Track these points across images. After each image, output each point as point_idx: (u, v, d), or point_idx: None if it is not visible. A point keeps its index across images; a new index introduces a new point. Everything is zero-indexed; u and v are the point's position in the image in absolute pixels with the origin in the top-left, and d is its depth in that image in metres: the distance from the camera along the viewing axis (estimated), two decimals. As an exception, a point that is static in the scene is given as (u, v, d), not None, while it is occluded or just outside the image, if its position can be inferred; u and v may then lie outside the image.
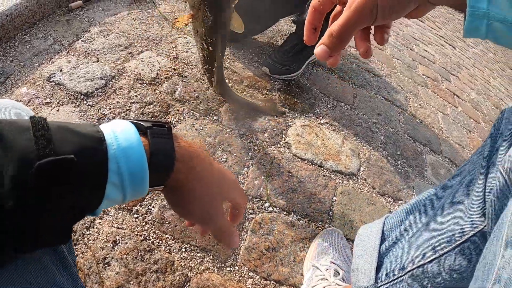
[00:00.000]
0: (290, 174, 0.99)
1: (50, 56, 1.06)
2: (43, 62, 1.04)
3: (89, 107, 0.98)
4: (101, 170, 0.29)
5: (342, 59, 1.64)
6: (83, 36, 1.15)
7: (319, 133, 1.16)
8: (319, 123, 1.20)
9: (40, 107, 0.95)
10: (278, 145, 1.06)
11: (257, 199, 0.90)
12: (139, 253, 0.74)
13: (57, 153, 0.26)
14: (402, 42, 2.30)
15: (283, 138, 1.09)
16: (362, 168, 1.11)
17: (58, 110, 0.95)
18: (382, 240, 0.60)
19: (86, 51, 1.11)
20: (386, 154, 1.22)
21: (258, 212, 0.88)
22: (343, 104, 1.35)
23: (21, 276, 0.31)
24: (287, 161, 1.02)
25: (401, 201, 1.08)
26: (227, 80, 1.20)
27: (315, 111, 1.24)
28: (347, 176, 1.06)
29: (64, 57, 1.07)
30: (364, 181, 1.07)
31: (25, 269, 0.31)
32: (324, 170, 1.04)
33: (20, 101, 0.94)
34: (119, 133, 0.31)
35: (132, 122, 0.34)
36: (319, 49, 0.42)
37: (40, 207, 0.26)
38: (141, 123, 0.34)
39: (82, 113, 0.96)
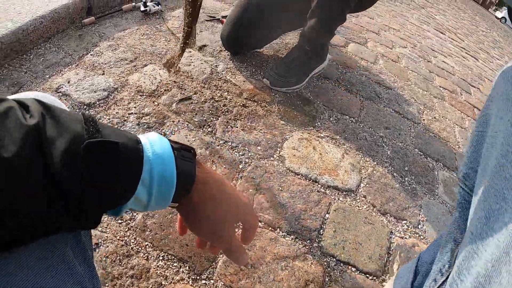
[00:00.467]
0: (280, 189, 0.97)
1: (61, 68, 1.13)
2: (54, 74, 1.11)
3: (90, 117, 1.03)
4: (137, 164, 0.32)
5: (351, 71, 1.61)
6: (92, 50, 1.22)
7: (317, 146, 1.14)
8: (318, 136, 1.18)
9: (45, 117, 1.01)
10: (272, 158, 1.05)
11: (242, 213, 0.90)
12: (118, 257, 0.76)
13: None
14: (419, 53, 2.22)
15: (278, 151, 1.08)
16: (362, 185, 1.07)
17: (61, 120, 1.01)
18: (416, 275, 0.61)
19: (93, 64, 1.17)
20: (391, 170, 1.17)
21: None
22: (347, 117, 1.32)
23: (42, 264, 0.33)
24: (279, 175, 1.01)
25: (405, 221, 1.03)
26: (226, 93, 1.22)
27: (316, 124, 1.23)
28: (344, 193, 1.03)
29: (73, 69, 1.14)
30: (363, 199, 1.04)
31: (45, 258, 0.33)
32: (319, 185, 1.02)
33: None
34: (155, 142, 0.35)
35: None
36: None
37: (85, 181, 0.28)
38: (172, 144, 0.38)
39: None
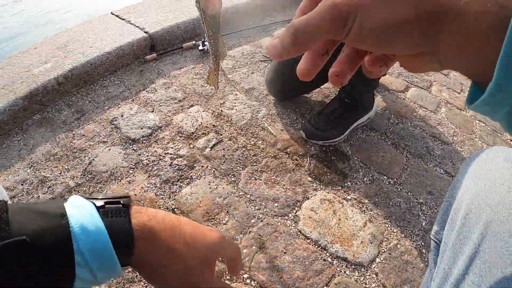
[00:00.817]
0: (284, 251, 0.99)
1: (119, 102, 1.30)
2: (112, 106, 1.29)
3: (133, 151, 1.17)
4: (64, 248, 0.30)
5: (403, 122, 1.52)
6: (149, 87, 1.37)
7: (338, 210, 1.12)
8: (344, 199, 1.16)
9: (98, 144, 1.18)
10: (286, 217, 1.07)
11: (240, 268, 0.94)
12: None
13: (14, 235, 0.28)
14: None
15: (294, 211, 1.09)
16: (378, 260, 1.03)
17: (110, 149, 1.17)
18: None
19: (146, 101, 1.32)
20: (421, 245, 1.10)
21: (234, 281, 0.91)
22: (385, 177, 1.26)
23: None
24: (288, 236, 1.03)
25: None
26: (260, 142, 1.27)
27: (345, 184, 1.20)
28: (352, 266, 1.00)
29: (128, 104, 1.30)
30: (374, 276, 0.99)
31: None
32: (327, 254, 1.01)
33: (85, 136, 1.19)
34: (78, 213, 0.33)
35: (88, 198, 0.36)
36: (274, 41, 0.30)
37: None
38: (94, 201, 0.36)
39: (126, 155, 1.15)
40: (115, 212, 0.35)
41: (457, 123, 1.64)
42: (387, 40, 0.25)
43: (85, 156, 1.11)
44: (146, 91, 1.36)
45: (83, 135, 1.19)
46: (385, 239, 1.08)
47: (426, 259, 1.05)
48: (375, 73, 0.33)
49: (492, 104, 0.24)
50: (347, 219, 1.10)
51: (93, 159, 1.11)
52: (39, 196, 1.01)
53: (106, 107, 1.28)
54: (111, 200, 0.36)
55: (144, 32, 1.48)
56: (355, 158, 1.30)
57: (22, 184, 1.03)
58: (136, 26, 1.50)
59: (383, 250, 1.05)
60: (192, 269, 0.38)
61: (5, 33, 2.75)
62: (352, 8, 0.24)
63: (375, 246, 1.05)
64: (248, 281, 0.92)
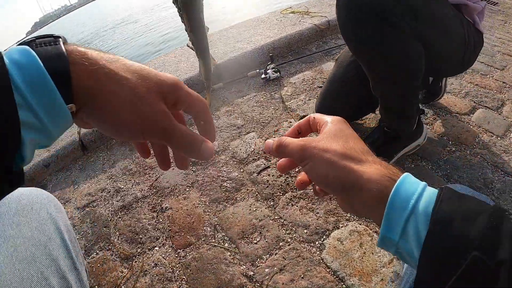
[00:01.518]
0: (303, 276, 1.09)
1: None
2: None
3: (192, 172, 1.41)
4: (2, 87, 0.28)
5: (462, 149, 1.39)
6: (213, 114, 1.61)
7: (365, 243, 1.15)
8: (375, 232, 1.18)
9: (169, 166, 1.46)
10: (312, 244, 1.16)
11: (258, 284, 1.07)
12: (162, 278, 1.10)
13: None
14: None
15: (322, 239, 1.17)
16: (397, 299, 1.04)
17: (173, 169, 1.43)
18: None
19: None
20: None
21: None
22: (429, 217, 1.22)
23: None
24: (309, 262, 1.12)
25: None
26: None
27: (381, 219, 1.22)
28: (367, 301, 1.04)
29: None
30: (391, 314, 1.02)
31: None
32: (343, 286, 1.06)
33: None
34: (7, 51, 0.30)
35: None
36: (267, 142, 0.49)
37: None
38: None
39: (185, 175, 1.40)
40: (47, 43, 0.32)
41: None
42: (324, 182, 0.43)
43: (153, 173, 1.40)
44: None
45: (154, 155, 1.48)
46: (411, 280, 1.07)
47: None
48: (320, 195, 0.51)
49: (385, 245, 0.40)
50: (372, 253, 1.13)
51: (159, 176, 1.39)
52: (113, 203, 1.32)
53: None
54: (42, 35, 0.33)
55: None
56: (400, 191, 1.29)
57: (101, 192, 1.37)
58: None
59: (405, 291, 1.05)
60: (144, 98, 0.34)
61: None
62: (310, 158, 0.43)
63: (396, 286, 1.06)
64: (264, 298, 1.05)
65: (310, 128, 0.51)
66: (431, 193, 0.38)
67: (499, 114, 1.61)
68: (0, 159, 0.28)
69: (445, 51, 1.15)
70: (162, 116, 0.34)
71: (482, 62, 1.99)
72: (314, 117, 0.50)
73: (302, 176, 0.51)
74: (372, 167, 0.41)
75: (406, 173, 0.41)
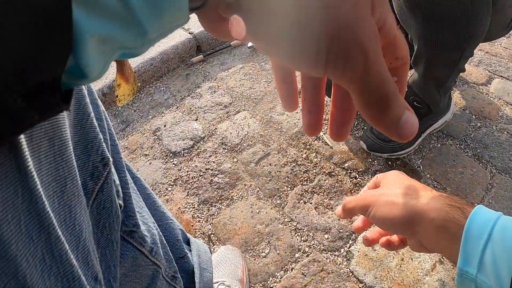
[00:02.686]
0: (331, 298, 0.85)
1: (163, 110, 1.24)
2: (156, 115, 1.23)
3: (173, 165, 1.10)
4: None
5: (487, 125, 1.21)
6: (194, 92, 1.29)
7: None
8: (411, 232, 0.96)
9: (140, 157, 1.14)
10: (337, 252, 0.92)
11: (277, 316, 0.83)
12: None
13: None
14: None
15: (348, 245, 0.93)
16: (448, 316, 0.83)
17: (151, 163, 1.12)
18: None
19: (190, 108, 1.24)
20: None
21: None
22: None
23: None
24: (337, 277, 0.88)
25: None
26: (313, 155, 1.11)
27: (414, 213, 0.99)
28: (414, 323, 0.82)
29: (172, 112, 1.23)
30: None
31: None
32: (383, 304, 0.84)
33: (129, 148, 1.16)
34: None
35: None
36: (337, 209, 0.55)
37: None
38: None
39: (166, 170, 1.10)
40: None
41: None
42: (389, 223, 0.45)
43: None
44: (191, 97, 1.28)
45: (127, 147, 1.15)
46: (462, 290, 0.87)
47: None
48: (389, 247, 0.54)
49: (463, 282, 0.38)
50: (412, 259, 0.91)
51: (131, 177, 1.07)
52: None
53: (150, 117, 1.23)
54: None
55: (189, 33, 1.39)
56: (428, 175, 1.07)
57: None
58: (181, 27, 1.41)
59: (457, 304, 0.84)
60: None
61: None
62: (371, 205, 0.46)
63: (446, 299, 0.85)
64: (285, 330, 0.81)
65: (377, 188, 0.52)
66: (507, 221, 0.37)
67: None
68: (32, 69, 0.14)
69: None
70: (370, 31, 0.17)
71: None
72: (377, 177, 0.53)
73: (371, 234, 0.55)
74: (431, 199, 0.43)
75: (479, 205, 0.41)
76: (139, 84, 0.85)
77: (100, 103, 0.40)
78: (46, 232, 0.22)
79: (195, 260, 0.66)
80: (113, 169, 0.37)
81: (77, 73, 0.17)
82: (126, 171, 0.45)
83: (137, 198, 0.49)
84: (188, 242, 0.68)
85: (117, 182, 0.40)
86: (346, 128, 0.25)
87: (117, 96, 0.60)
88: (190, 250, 0.67)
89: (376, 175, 0.54)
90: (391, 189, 0.46)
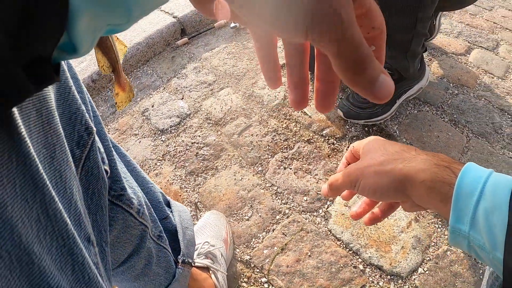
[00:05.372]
0: (309, 254, 0.85)
1: (150, 91, 1.24)
2: (144, 97, 1.23)
3: (161, 142, 1.11)
4: None
5: (465, 92, 1.19)
6: (179, 73, 1.28)
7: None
8: (387, 191, 0.95)
9: (130, 137, 1.14)
10: (315, 213, 0.92)
11: (258, 270, 0.83)
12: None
13: None
14: None
15: (326, 206, 0.93)
16: (420, 270, 0.82)
17: (140, 142, 1.12)
18: None
19: (176, 88, 1.23)
20: (486, 249, 0.86)
21: (252, 284, 0.82)
22: (443, 166, 1.00)
23: None
24: (315, 236, 0.88)
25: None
26: (293, 124, 1.10)
27: (391, 174, 0.98)
28: (388, 277, 0.81)
29: (160, 93, 1.23)
30: (415, 289, 0.80)
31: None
32: (359, 260, 0.84)
33: (119, 130, 1.16)
34: None
35: None
36: (322, 188, 0.50)
37: None
38: None
39: (154, 147, 1.10)
40: None
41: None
42: (377, 196, 0.43)
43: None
44: (177, 78, 1.27)
45: (117, 129, 1.16)
46: (433, 244, 0.86)
47: (481, 272, 0.81)
48: (368, 222, 0.54)
49: (456, 239, 0.36)
50: (388, 217, 0.90)
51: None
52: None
53: (139, 99, 1.23)
54: None
55: (173, 17, 1.37)
56: (404, 139, 1.06)
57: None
58: (165, 12, 1.39)
59: (428, 258, 0.84)
60: None
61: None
62: (358, 178, 0.43)
63: (418, 253, 0.84)
64: (266, 285, 0.81)
65: (356, 158, 0.50)
66: (499, 178, 0.35)
67: (496, 55, 1.41)
68: (29, 42, 0.15)
69: None
70: (344, 1, 0.18)
71: (470, 3, 1.77)
72: (353, 146, 0.50)
73: (357, 209, 0.52)
74: (417, 160, 0.40)
75: (470, 162, 0.39)
76: (134, 91, 0.84)
77: (78, 77, 0.40)
78: (40, 194, 0.22)
79: (177, 220, 0.66)
80: (97, 138, 0.38)
81: (68, 48, 0.18)
82: (109, 140, 0.46)
83: (120, 165, 0.49)
84: (168, 205, 0.69)
85: (102, 149, 0.41)
86: (331, 99, 0.25)
87: (116, 103, 0.64)
88: (172, 212, 0.68)
89: (352, 145, 0.50)
90: (374, 157, 0.43)
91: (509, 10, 1.79)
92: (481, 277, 0.81)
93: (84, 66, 1.22)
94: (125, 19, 0.18)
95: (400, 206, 0.48)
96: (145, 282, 0.57)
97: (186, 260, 0.64)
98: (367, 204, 0.52)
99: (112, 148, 0.46)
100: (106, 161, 0.42)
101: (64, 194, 0.26)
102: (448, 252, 0.85)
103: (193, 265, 0.67)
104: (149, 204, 0.57)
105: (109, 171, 0.43)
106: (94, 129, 0.36)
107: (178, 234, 0.65)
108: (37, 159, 0.22)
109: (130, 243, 0.51)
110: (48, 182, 0.23)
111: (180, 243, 0.64)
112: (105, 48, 0.47)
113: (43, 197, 0.22)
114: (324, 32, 0.19)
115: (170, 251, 0.62)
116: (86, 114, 0.35)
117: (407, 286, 0.80)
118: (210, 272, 0.75)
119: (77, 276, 0.25)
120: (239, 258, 0.85)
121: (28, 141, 0.21)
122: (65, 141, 0.28)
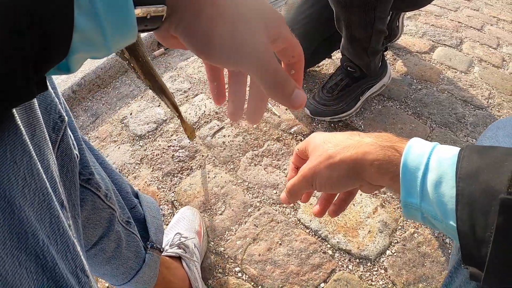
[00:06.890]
0: (280, 242, 0.86)
1: (129, 100, 1.26)
2: (123, 106, 1.25)
3: (139, 147, 1.12)
4: None
5: (428, 87, 1.24)
6: (157, 82, 1.31)
7: (344, 195, 0.94)
8: (353, 181, 0.97)
9: (109, 144, 1.15)
10: (285, 205, 0.93)
11: (232, 260, 0.83)
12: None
13: None
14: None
15: (295, 197, 0.94)
16: (388, 252, 0.84)
17: (119, 148, 1.13)
18: None
19: (154, 96, 1.26)
20: (444, 234, 0.88)
21: (226, 274, 0.82)
22: (405, 156, 1.03)
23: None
24: (285, 226, 0.89)
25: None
26: (263, 124, 1.13)
27: (356, 165, 1.01)
28: (357, 260, 0.83)
29: (137, 101, 1.25)
30: (382, 272, 0.81)
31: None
32: (327, 245, 0.85)
33: (99, 137, 1.17)
34: None
35: None
36: (282, 195, 0.50)
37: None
38: None
39: (132, 152, 1.11)
40: None
41: (493, 83, 1.30)
42: (335, 188, 0.43)
43: (91, 155, 1.09)
44: (155, 86, 1.30)
45: (97, 137, 1.17)
46: (400, 227, 0.88)
47: (449, 252, 0.83)
48: (333, 214, 0.50)
49: (410, 213, 0.37)
50: (354, 204, 0.92)
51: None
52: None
53: (118, 108, 1.25)
54: None
55: (149, 27, 1.41)
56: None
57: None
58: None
59: (395, 241, 0.86)
60: (248, 20, 0.26)
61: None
62: (313, 177, 0.43)
63: (385, 236, 0.86)
64: (239, 274, 0.81)
65: (303, 160, 0.49)
66: (442, 149, 0.36)
67: (460, 51, 1.48)
68: (38, 68, 0.21)
69: None
70: (261, 44, 0.26)
71: (435, 5, 1.85)
72: (298, 149, 0.50)
73: (318, 206, 0.51)
74: (362, 144, 0.41)
75: (414, 138, 0.39)
76: (194, 126, 1.00)
77: (51, 76, 0.44)
78: (27, 156, 0.26)
79: (145, 209, 0.67)
80: (68, 127, 0.42)
81: (64, 68, 0.23)
82: (79, 132, 0.49)
83: (89, 155, 0.52)
84: (136, 196, 0.70)
85: (73, 138, 0.45)
86: (259, 113, 0.34)
87: (188, 136, 0.92)
88: (140, 202, 0.69)
89: (296, 147, 0.50)
90: (322, 153, 0.42)
91: (474, 10, 1.87)
92: (449, 257, 0.83)
93: (64, 77, 1.24)
94: (106, 54, 0.25)
95: (360, 190, 0.48)
96: (116, 265, 0.58)
97: (155, 246, 0.64)
98: (325, 199, 0.51)
99: (82, 140, 0.49)
100: (77, 148, 0.45)
101: (42, 163, 0.30)
102: (415, 234, 0.87)
103: (162, 251, 0.68)
104: (117, 192, 0.58)
105: (79, 155, 0.45)
106: (66, 118, 0.40)
107: (146, 222, 0.66)
108: (24, 131, 0.26)
109: (100, 225, 0.52)
110: (32, 148, 0.27)
111: (148, 230, 0.65)
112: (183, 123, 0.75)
113: (30, 159, 0.26)
114: (250, 68, 0.27)
115: (139, 237, 0.62)
116: (59, 106, 0.39)
117: (376, 268, 0.81)
118: (182, 261, 0.76)
119: (53, 227, 0.28)
120: (213, 250, 0.86)
121: (17, 116, 0.26)
122: (43, 123, 0.31)
